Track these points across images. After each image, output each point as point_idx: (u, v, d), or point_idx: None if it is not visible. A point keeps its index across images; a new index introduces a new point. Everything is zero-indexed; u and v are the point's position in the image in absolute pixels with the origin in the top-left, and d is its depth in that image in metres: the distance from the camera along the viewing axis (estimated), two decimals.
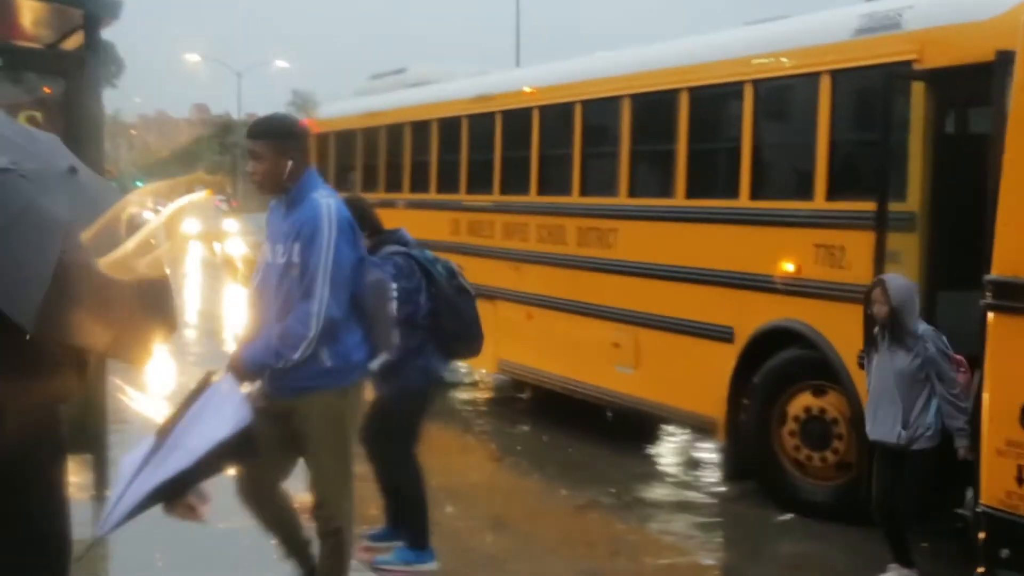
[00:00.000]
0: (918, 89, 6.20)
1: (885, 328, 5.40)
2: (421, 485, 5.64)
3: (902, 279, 5.60)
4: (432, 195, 11.20)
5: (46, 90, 6.32)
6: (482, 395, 11.50)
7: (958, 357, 5.47)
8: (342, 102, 14.52)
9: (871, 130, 6.63)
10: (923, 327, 5.44)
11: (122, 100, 77.74)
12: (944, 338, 5.45)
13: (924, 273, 6.25)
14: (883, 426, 5.46)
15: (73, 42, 6.95)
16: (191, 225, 25.80)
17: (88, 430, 6.25)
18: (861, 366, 6.34)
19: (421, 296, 5.34)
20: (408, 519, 5.64)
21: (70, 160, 2.49)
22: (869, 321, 5.49)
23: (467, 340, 5.67)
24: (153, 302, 2.58)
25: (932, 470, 5.46)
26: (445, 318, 5.43)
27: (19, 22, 7.26)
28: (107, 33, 7.85)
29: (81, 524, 6.62)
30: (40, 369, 2.48)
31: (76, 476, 6.91)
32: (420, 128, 11.48)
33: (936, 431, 5.36)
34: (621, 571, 6.02)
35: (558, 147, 9.38)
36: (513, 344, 9.73)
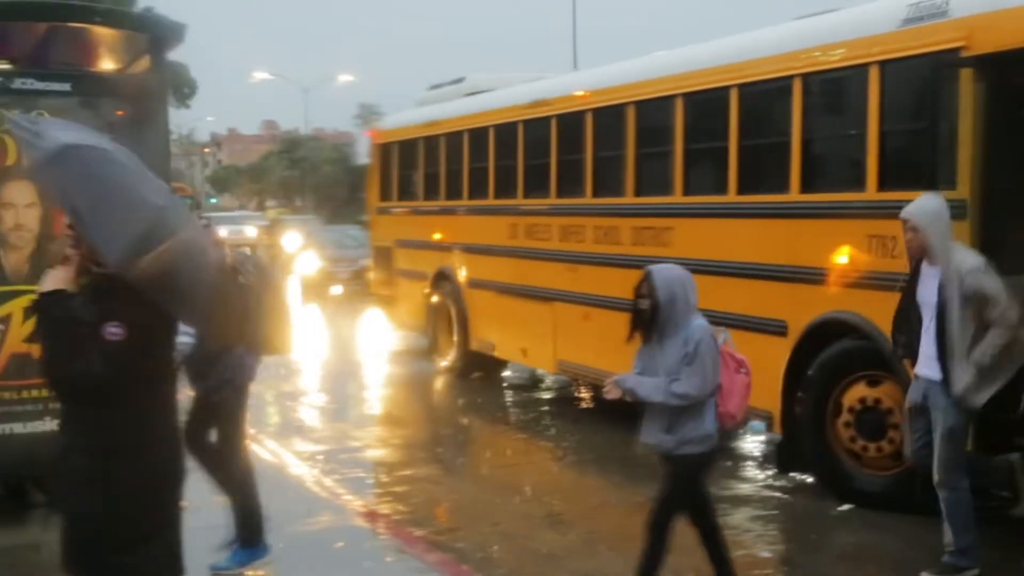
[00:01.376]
0: (967, 76, 6.13)
1: (653, 322, 4.98)
2: (251, 480, 5.69)
3: (672, 270, 5.15)
4: (490, 200, 11.31)
5: (118, 113, 6.51)
6: (542, 395, 11.57)
7: (740, 357, 5.11)
8: (404, 113, 14.71)
9: (921, 119, 6.58)
10: (697, 322, 4.97)
11: (195, 120, 79.29)
12: (724, 337, 5.10)
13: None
14: (650, 429, 5.03)
15: (141, 66, 7.17)
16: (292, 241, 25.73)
17: None
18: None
19: None
20: (240, 516, 5.64)
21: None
22: (638, 314, 5.06)
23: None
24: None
25: (697, 478, 5.12)
26: None
27: (90, 50, 7.50)
28: (179, 56, 8.09)
29: None
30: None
31: None
32: (478, 135, 11.60)
33: (706, 436, 4.95)
34: (680, 566, 5.96)
35: (612, 148, 9.41)
36: (571, 344, 9.79)
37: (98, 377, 3.15)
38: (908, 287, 5.74)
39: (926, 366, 5.54)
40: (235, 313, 3.34)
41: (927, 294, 5.55)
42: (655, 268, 5.11)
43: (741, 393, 5.08)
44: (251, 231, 38.35)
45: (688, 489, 5.11)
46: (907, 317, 5.70)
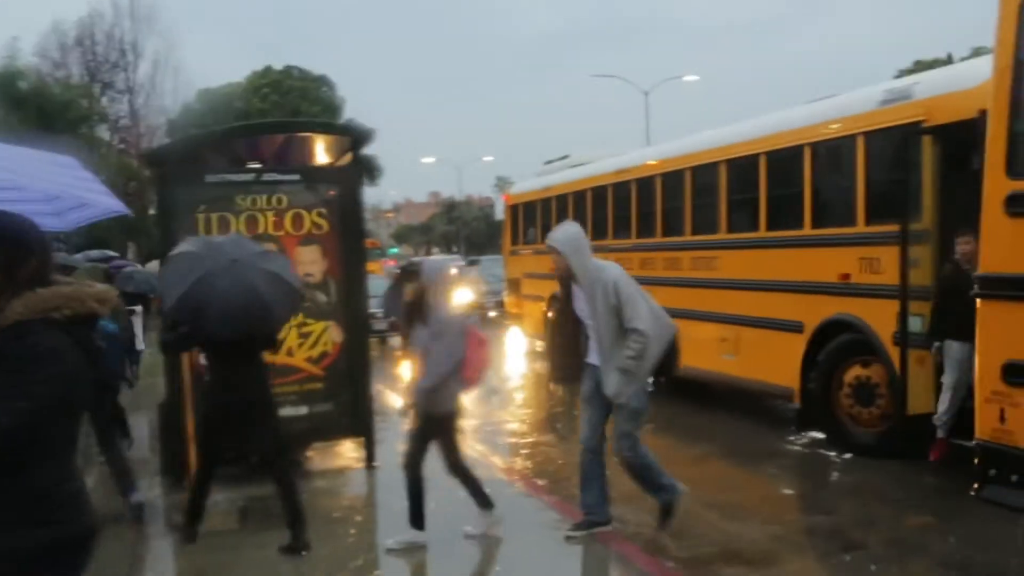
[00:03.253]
0: (927, 141, 6.29)
1: (416, 305, 4.62)
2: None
3: (438, 262, 4.78)
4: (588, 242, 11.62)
5: (330, 193, 7.07)
6: None
7: (483, 336, 4.81)
8: (526, 181, 15.16)
9: (895, 173, 6.67)
10: (450, 309, 4.59)
11: (381, 194, 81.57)
12: (472, 319, 4.84)
13: (936, 273, 6.27)
14: (414, 387, 4.81)
15: (345, 160, 7.81)
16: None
17: (361, 419, 6.87)
18: (896, 344, 6.44)
19: None
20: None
21: (235, 256, 4.66)
22: (408, 300, 4.69)
23: None
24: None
25: (447, 434, 4.79)
26: None
27: (312, 150, 8.20)
28: (370, 150, 8.56)
29: (359, 485, 7.07)
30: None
31: (355, 452, 7.57)
32: (579, 195, 11.96)
33: (444, 399, 4.71)
34: (732, 502, 5.92)
35: (676, 201, 9.61)
36: None
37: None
38: (563, 306, 4.96)
39: (596, 357, 4.86)
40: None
41: (581, 308, 4.85)
42: (428, 259, 4.84)
43: (478, 365, 4.79)
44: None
45: (425, 441, 4.80)
46: (556, 333, 4.97)
